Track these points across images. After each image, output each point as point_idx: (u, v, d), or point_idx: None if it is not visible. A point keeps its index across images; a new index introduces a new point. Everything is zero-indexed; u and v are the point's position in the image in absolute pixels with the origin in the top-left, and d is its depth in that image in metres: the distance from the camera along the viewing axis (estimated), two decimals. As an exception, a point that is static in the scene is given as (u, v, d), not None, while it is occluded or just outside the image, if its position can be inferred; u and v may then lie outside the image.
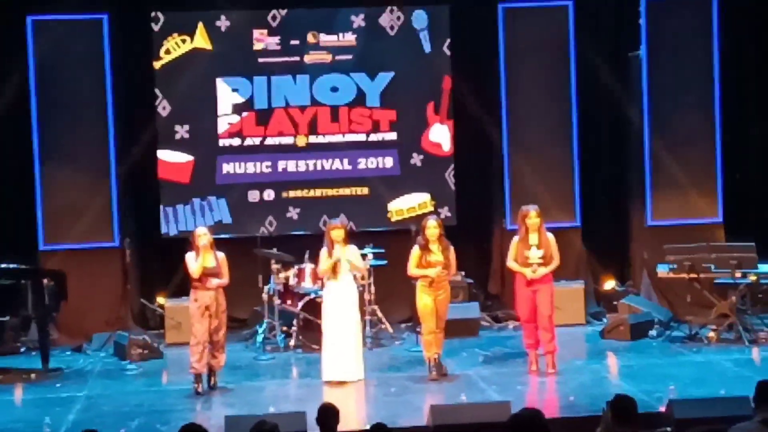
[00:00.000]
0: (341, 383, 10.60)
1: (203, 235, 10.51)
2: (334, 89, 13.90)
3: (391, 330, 12.94)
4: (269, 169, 13.86)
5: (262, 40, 13.80)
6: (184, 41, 13.68)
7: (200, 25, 13.69)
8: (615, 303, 13.50)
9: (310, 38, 13.83)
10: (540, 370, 10.83)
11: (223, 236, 12.68)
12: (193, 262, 10.45)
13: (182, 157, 13.73)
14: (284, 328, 12.45)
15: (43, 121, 13.21)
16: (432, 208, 13.78)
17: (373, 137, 13.97)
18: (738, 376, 10.44)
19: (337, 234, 10.72)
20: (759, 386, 6.58)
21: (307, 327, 12.18)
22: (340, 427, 6.79)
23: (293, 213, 13.89)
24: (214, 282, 10.45)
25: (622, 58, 14.24)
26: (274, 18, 13.80)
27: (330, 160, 13.93)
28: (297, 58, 13.82)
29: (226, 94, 13.78)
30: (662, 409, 8.86)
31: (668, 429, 7.78)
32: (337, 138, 13.93)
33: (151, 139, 13.72)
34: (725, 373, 10.67)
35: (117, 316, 13.15)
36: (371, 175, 13.97)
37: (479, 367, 11.33)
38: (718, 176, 13.74)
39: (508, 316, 13.51)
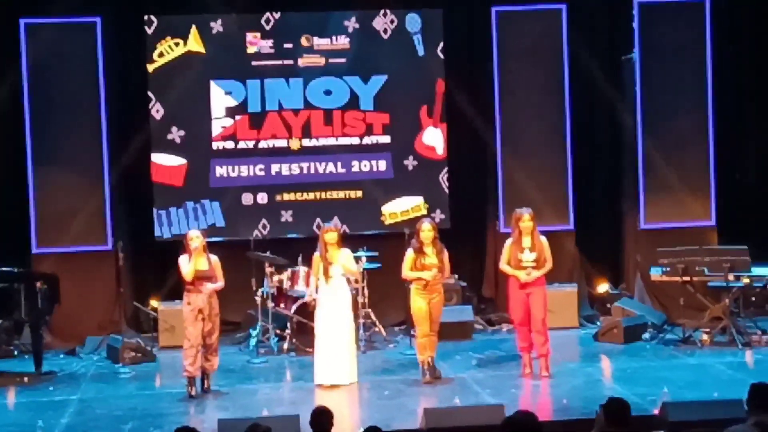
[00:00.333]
0: (335, 386, 10.59)
1: (196, 238, 10.50)
2: (328, 92, 13.91)
3: (384, 333, 12.94)
4: (263, 173, 13.86)
5: (256, 43, 13.80)
6: (177, 44, 13.68)
7: (193, 28, 13.69)
8: (608, 306, 13.51)
9: (303, 41, 13.83)
10: (533, 373, 10.83)
11: (216, 239, 12.69)
12: (186, 266, 10.44)
13: (176, 160, 13.72)
14: (278, 331, 12.45)
15: (37, 125, 13.19)
16: (425, 212, 13.78)
17: (367, 140, 13.97)
18: (731, 378, 10.45)
19: (331, 237, 10.71)
20: (752, 389, 6.59)
21: (301, 330, 12.18)
22: (333, 431, 6.78)
23: (287, 216, 13.88)
24: (209, 287, 10.44)
25: (616, 62, 14.26)
26: (267, 21, 13.80)
27: (323, 164, 13.93)
28: (290, 62, 13.82)
29: (220, 98, 13.78)
30: (656, 412, 8.85)
31: (662, 432, 7.80)
32: (331, 141, 13.93)
33: (145, 142, 13.71)
34: (719, 376, 10.67)
35: (110, 319, 13.14)
36: (365, 178, 13.97)
37: (473, 370, 11.34)
38: (711, 179, 13.76)
39: (502, 319, 13.52)
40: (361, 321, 12.46)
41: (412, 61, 13.98)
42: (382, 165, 14.00)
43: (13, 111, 13.23)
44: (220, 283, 10.55)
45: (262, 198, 13.88)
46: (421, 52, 13.98)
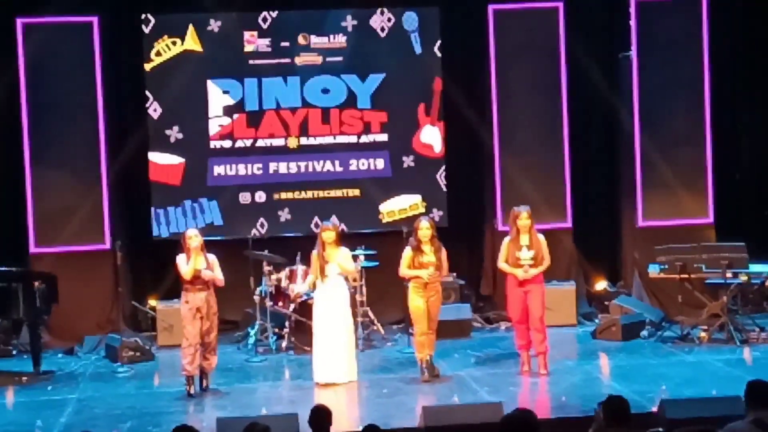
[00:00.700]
0: (333, 385, 10.59)
1: (194, 237, 10.50)
2: (325, 91, 13.90)
3: (383, 331, 12.94)
4: (260, 171, 13.85)
5: (253, 42, 13.79)
6: (174, 43, 13.67)
7: (191, 27, 13.68)
8: (606, 303, 13.52)
9: (300, 40, 13.83)
10: (532, 370, 10.83)
11: (214, 238, 12.68)
12: (184, 265, 10.44)
13: (173, 159, 13.71)
14: (276, 330, 12.45)
15: (34, 124, 13.18)
16: (423, 210, 13.79)
17: (365, 139, 13.97)
18: (729, 376, 10.45)
19: (328, 236, 10.71)
20: (750, 386, 6.59)
21: (299, 329, 12.18)
22: (332, 429, 6.79)
23: (285, 215, 13.88)
24: (207, 273, 10.41)
25: (613, 60, 14.26)
26: (264, 20, 13.79)
27: (321, 162, 13.93)
28: (288, 60, 13.82)
29: (217, 96, 13.77)
30: (654, 409, 8.87)
31: (660, 429, 7.78)
32: (328, 140, 13.93)
33: (142, 141, 13.70)
34: (717, 373, 10.69)
35: (108, 318, 13.15)
36: (362, 176, 13.97)
37: (471, 368, 11.34)
38: (708, 177, 13.76)
39: (500, 317, 13.52)
40: (360, 319, 12.46)
41: (410, 60, 13.98)
42: (380, 163, 14.00)
43: (10, 110, 13.21)
44: (221, 277, 10.55)
45: (260, 197, 13.87)
46: (418, 50, 13.98)
